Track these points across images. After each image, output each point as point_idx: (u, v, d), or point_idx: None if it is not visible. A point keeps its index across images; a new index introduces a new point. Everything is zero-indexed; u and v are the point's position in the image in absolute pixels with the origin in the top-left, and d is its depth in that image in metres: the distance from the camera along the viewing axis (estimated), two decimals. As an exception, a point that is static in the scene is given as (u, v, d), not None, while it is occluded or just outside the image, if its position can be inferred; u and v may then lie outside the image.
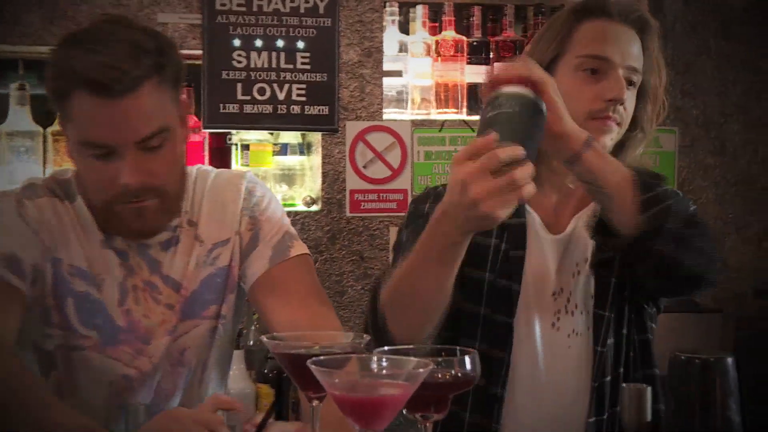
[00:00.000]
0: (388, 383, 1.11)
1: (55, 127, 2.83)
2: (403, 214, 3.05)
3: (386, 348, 1.29)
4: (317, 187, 3.05)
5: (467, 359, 1.26)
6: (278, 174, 3.08)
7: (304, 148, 3.12)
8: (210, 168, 1.88)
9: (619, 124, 1.77)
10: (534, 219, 1.83)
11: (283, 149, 3.08)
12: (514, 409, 1.77)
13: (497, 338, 1.77)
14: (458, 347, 1.29)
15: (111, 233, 1.72)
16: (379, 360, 1.16)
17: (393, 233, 3.03)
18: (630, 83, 1.77)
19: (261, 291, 1.76)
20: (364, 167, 3.04)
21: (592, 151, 1.56)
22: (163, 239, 1.74)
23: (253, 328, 2.72)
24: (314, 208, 3.03)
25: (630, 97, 1.78)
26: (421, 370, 1.11)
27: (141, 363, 1.71)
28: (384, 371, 1.14)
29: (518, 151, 1.40)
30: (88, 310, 1.69)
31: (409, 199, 3.06)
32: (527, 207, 1.82)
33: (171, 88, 1.64)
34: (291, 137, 3.10)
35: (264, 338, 1.30)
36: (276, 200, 1.86)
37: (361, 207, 3.03)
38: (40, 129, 2.84)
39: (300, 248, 1.79)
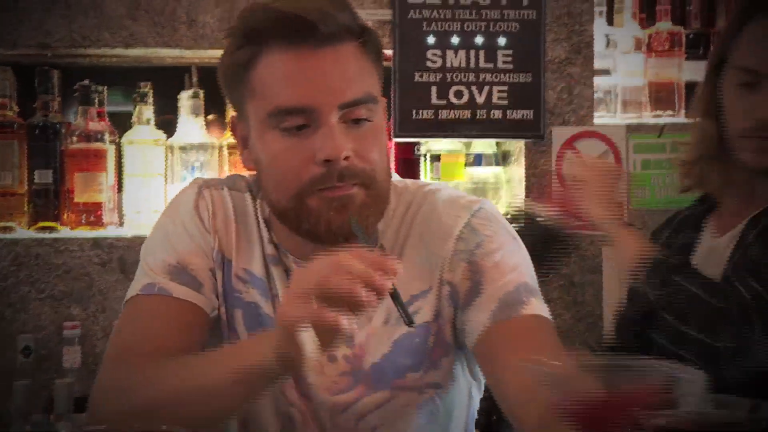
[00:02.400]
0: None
1: (231, 138, 2.55)
2: (617, 232, 2.71)
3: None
4: (516, 201, 2.69)
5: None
6: (470, 188, 2.72)
7: (499, 158, 2.77)
8: (424, 185, 1.49)
9: None
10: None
11: (476, 160, 2.72)
12: None
13: None
14: None
15: (285, 248, 1.41)
16: None
17: (606, 254, 2.66)
18: None
19: (483, 350, 1.37)
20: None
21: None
22: None
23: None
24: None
25: None
26: None
27: (303, 413, 1.39)
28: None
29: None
30: (257, 325, 1.38)
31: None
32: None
33: (374, 62, 1.36)
34: (485, 146, 2.74)
35: None
36: (512, 242, 1.44)
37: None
38: (216, 141, 2.55)
39: (538, 308, 1.38)
